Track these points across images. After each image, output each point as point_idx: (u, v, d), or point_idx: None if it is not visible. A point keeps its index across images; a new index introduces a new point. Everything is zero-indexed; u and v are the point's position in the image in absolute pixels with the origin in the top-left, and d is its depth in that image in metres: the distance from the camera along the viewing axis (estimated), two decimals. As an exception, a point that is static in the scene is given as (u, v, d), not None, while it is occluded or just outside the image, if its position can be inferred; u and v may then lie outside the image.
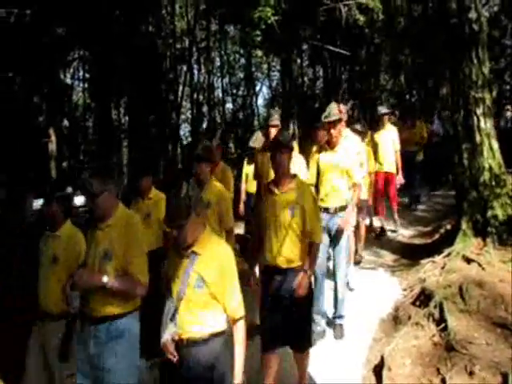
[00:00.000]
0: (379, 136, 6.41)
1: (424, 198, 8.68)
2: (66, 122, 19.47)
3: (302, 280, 2.77)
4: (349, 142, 3.97)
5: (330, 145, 3.81)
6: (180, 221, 1.95)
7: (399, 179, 6.47)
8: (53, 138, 13.94)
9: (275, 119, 4.60)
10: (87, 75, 18.88)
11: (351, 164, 3.79)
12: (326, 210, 3.69)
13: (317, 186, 3.84)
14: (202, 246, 2.05)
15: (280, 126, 4.62)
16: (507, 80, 16.27)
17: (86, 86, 19.56)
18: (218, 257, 2.05)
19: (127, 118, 18.33)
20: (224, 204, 3.54)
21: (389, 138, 6.39)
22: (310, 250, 2.86)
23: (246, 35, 8.53)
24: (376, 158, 6.22)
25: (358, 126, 5.29)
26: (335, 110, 3.72)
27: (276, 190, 2.84)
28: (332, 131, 3.70)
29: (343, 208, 3.72)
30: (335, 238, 3.73)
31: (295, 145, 4.06)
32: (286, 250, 2.79)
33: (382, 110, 6.77)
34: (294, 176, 2.91)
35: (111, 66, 12.87)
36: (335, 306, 3.87)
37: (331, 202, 3.74)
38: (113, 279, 2.21)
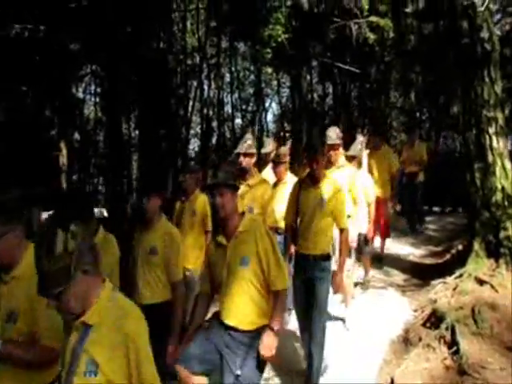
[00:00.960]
0: (373, 158, 6.01)
1: (420, 227, 7.84)
2: (76, 136, 19.75)
3: (266, 340, 2.27)
4: (339, 175, 3.78)
5: (313, 180, 3.32)
6: (57, 288, 1.34)
7: (393, 203, 6.26)
8: (64, 151, 14.12)
9: (248, 146, 3.90)
10: (99, 89, 19.21)
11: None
12: (305, 257, 3.30)
13: (296, 228, 3.41)
14: (98, 313, 1.42)
15: (255, 155, 3.99)
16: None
17: (98, 100, 19.89)
18: (121, 329, 1.39)
19: (137, 132, 18.54)
20: (172, 250, 2.88)
21: (383, 159, 6.11)
22: (274, 300, 2.37)
23: (256, 52, 8.62)
24: None
25: (354, 148, 4.74)
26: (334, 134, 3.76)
27: (223, 240, 2.41)
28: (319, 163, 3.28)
29: (326, 257, 3.29)
30: (313, 295, 3.19)
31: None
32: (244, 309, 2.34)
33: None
34: (242, 215, 2.46)
35: (122, 80, 13.08)
36: (308, 375, 3.23)
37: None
38: (9, 343, 1.71)
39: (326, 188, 3.29)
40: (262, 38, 7.21)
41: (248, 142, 3.91)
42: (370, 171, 5.71)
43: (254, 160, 3.99)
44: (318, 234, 3.27)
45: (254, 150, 3.96)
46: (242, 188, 3.69)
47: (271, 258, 2.31)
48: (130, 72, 14.61)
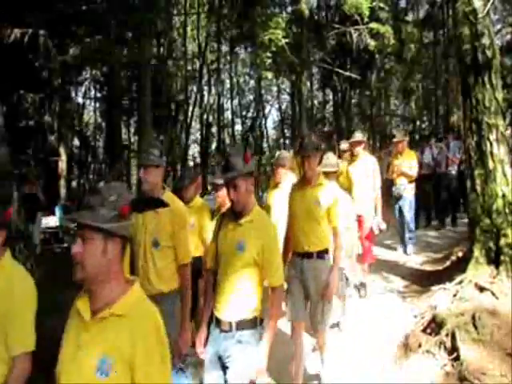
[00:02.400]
0: (353, 170, 5.24)
1: (411, 242, 6.89)
2: (76, 141, 19.78)
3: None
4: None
5: (304, 181, 3.25)
6: None
7: (378, 223, 5.27)
8: (63, 156, 14.10)
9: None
10: (99, 94, 19.28)
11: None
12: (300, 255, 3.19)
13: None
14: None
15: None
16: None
17: (98, 105, 19.96)
18: None
19: (137, 137, 18.69)
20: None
21: (363, 171, 5.26)
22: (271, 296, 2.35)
23: (256, 56, 8.64)
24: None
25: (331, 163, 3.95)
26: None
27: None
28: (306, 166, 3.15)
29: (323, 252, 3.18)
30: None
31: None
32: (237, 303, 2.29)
33: (353, 137, 5.48)
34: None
35: (121, 86, 13.11)
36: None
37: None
38: None
39: (321, 191, 3.16)
40: (262, 41, 7.23)
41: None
42: (349, 185, 5.09)
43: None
44: (311, 233, 3.15)
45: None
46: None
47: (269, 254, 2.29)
48: (129, 77, 14.71)
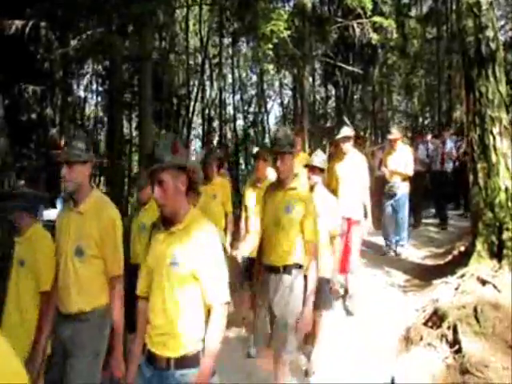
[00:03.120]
0: (339, 168, 4.77)
1: (402, 243, 6.50)
2: (78, 135, 19.75)
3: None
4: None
5: (279, 183, 2.91)
6: None
7: (367, 227, 4.87)
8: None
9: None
10: (100, 88, 19.22)
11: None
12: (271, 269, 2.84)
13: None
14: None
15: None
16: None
17: (99, 99, 19.89)
18: None
19: (138, 131, 18.62)
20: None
21: (351, 169, 4.74)
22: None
23: (258, 48, 8.59)
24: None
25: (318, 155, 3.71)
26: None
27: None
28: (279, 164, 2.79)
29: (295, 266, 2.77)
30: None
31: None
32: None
33: (340, 133, 4.80)
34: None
35: (123, 79, 13.05)
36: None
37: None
38: None
39: (294, 196, 2.79)
40: (264, 33, 7.18)
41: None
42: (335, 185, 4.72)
43: None
44: (278, 245, 2.78)
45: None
46: None
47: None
48: (130, 71, 14.65)
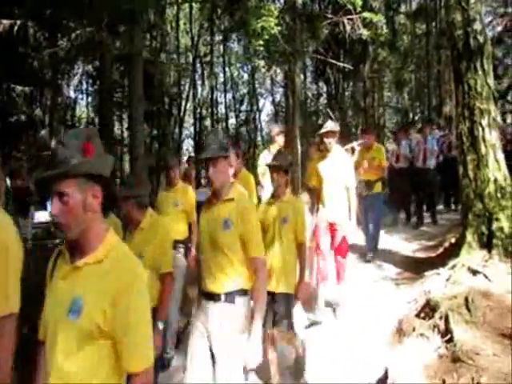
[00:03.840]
0: (323, 167, 4.43)
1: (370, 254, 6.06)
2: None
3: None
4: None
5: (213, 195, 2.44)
6: None
7: (352, 231, 4.43)
8: (55, 151, 13.97)
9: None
10: (91, 89, 19.11)
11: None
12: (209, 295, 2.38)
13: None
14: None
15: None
16: (510, 100, 16.38)
17: (90, 99, 19.78)
18: None
19: (129, 132, 18.57)
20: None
21: (336, 169, 4.35)
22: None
23: (249, 44, 8.59)
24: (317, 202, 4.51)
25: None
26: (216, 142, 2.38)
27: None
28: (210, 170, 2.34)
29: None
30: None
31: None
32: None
33: (326, 127, 4.41)
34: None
35: (113, 80, 12.98)
36: None
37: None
38: None
39: (233, 209, 2.33)
40: (255, 29, 7.19)
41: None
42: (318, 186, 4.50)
43: None
44: (217, 268, 2.33)
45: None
46: None
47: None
48: (121, 71, 14.58)
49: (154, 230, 2.83)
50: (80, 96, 20.14)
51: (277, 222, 3.14)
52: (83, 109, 21.21)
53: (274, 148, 5.17)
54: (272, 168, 3.23)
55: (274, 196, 3.26)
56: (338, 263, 4.48)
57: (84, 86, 19.60)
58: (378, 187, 6.11)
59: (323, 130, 4.39)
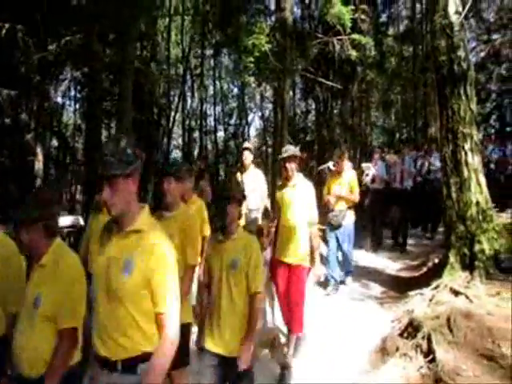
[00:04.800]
0: (282, 198, 3.83)
1: (347, 277, 5.82)
2: (54, 142, 19.35)
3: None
4: None
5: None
6: None
7: (316, 275, 3.84)
8: (40, 157, 13.76)
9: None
10: (79, 95, 18.96)
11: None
12: None
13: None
14: None
15: None
16: (493, 124, 16.88)
17: (78, 106, 19.61)
18: None
19: (118, 140, 18.32)
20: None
21: (296, 199, 3.72)
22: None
23: (239, 60, 8.70)
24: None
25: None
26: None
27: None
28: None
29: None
30: None
31: None
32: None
33: (287, 151, 3.79)
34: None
35: (102, 87, 12.92)
36: None
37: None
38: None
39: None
40: (246, 46, 7.30)
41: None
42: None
43: None
44: (112, 327, 1.75)
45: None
46: None
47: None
48: (111, 79, 14.52)
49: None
50: (68, 102, 19.97)
51: (224, 266, 2.56)
52: (70, 115, 21.02)
53: (247, 171, 5.31)
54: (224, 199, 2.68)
55: (224, 233, 2.64)
56: (294, 312, 3.65)
57: (72, 93, 19.45)
58: (351, 216, 5.55)
59: (285, 155, 3.77)
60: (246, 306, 2.52)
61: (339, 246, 5.54)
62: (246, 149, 5.49)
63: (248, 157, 5.41)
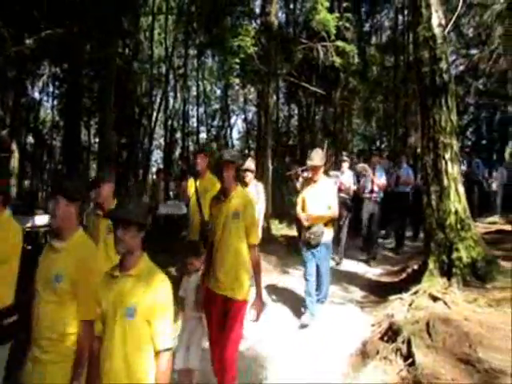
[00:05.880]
0: (218, 211, 3.15)
1: (323, 300, 5.03)
2: (30, 139, 18.88)
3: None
4: None
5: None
6: None
7: (253, 314, 3.02)
8: (15, 153, 13.39)
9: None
10: (57, 91, 18.57)
11: None
12: None
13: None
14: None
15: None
16: (469, 136, 17.42)
17: (56, 102, 19.20)
18: None
19: (97, 139, 18.13)
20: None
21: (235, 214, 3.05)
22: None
23: (224, 61, 8.70)
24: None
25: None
26: None
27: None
28: None
29: None
30: None
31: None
32: None
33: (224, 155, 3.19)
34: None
35: (82, 84, 12.70)
36: None
37: None
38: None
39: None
40: (231, 47, 7.31)
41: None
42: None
43: None
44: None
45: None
46: None
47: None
48: (91, 76, 14.28)
49: None
50: (45, 98, 19.52)
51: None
52: (48, 111, 20.56)
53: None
54: None
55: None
56: (226, 360, 2.92)
57: (50, 88, 19.04)
58: (329, 233, 4.75)
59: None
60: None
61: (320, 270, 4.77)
62: (248, 170, 4.89)
63: (250, 176, 4.96)
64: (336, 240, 6.64)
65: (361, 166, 7.74)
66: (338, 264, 7.05)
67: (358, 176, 7.60)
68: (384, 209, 7.57)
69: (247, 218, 3.03)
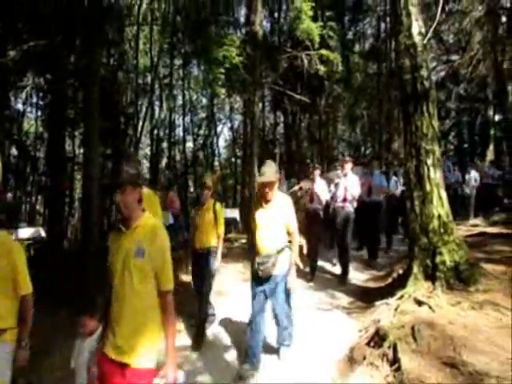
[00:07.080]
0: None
1: (287, 343, 4.15)
2: (14, 150, 18.62)
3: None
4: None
5: None
6: None
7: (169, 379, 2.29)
8: (-2, 165, 13.18)
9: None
10: (41, 102, 18.38)
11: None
12: None
13: None
14: None
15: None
16: (451, 141, 17.71)
17: (39, 113, 19.01)
18: None
19: (82, 149, 17.94)
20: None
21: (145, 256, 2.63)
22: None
23: (210, 71, 8.74)
24: None
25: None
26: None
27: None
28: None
29: None
30: None
31: None
32: None
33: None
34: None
35: (66, 95, 12.60)
36: None
37: None
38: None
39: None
40: (216, 57, 7.36)
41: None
42: None
43: None
44: None
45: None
46: None
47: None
48: (75, 86, 14.17)
49: None
50: (29, 109, 19.30)
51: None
52: (32, 122, 20.32)
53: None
54: None
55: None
56: None
57: (34, 99, 18.84)
58: (284, 262, 3.83)
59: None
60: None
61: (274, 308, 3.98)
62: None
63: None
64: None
65: (333, 173, 7.64)
66: (334, 265, 7.34)
67: (329, 184, 7.04)
68: (355, 220, 6.92)
69: (156, 257, 2.28)
